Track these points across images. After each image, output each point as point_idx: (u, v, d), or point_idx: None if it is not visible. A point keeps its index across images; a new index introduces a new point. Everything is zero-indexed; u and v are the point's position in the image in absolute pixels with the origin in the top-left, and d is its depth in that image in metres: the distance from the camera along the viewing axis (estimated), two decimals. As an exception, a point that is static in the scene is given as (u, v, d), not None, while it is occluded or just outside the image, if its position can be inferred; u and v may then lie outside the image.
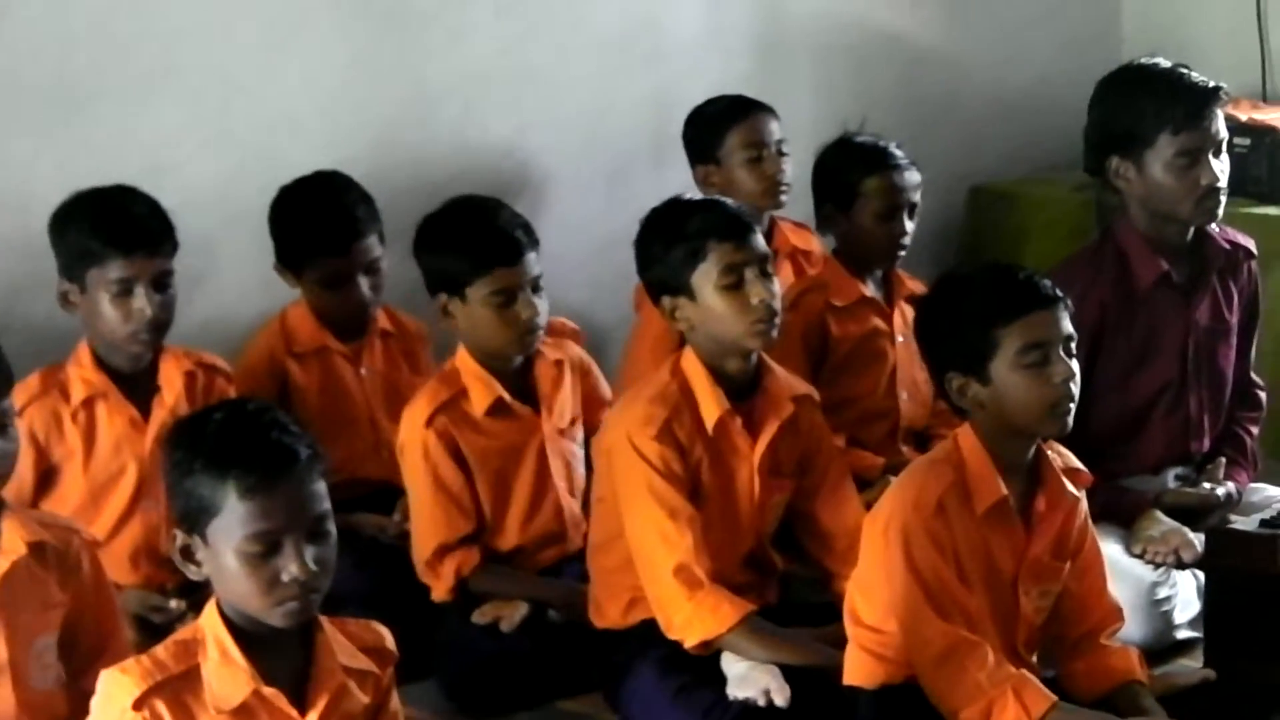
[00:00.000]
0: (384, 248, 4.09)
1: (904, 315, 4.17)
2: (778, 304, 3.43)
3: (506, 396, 3.75)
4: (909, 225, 4.21)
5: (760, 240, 3.46)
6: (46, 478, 3.68)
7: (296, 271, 4.09)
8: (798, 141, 4.58)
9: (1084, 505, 3.26)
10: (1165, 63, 3.92)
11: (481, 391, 3.74)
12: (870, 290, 4.23)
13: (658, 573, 3.36)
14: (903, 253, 4.21)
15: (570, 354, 3.89)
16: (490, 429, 3.75)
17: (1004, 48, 5.46)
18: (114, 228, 3.60)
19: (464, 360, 3.76)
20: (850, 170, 4.21)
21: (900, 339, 4.18)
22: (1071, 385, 3.10)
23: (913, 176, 4.23)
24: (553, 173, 4.67)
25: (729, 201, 3.59)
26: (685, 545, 3.35)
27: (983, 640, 3.08)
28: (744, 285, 3.39)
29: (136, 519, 3.69)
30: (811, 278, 4.35)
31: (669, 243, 3.45)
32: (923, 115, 5.26)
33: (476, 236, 3.71)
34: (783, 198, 4.49)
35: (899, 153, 4.24)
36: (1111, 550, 3.59)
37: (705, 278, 3.41)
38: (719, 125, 4.50)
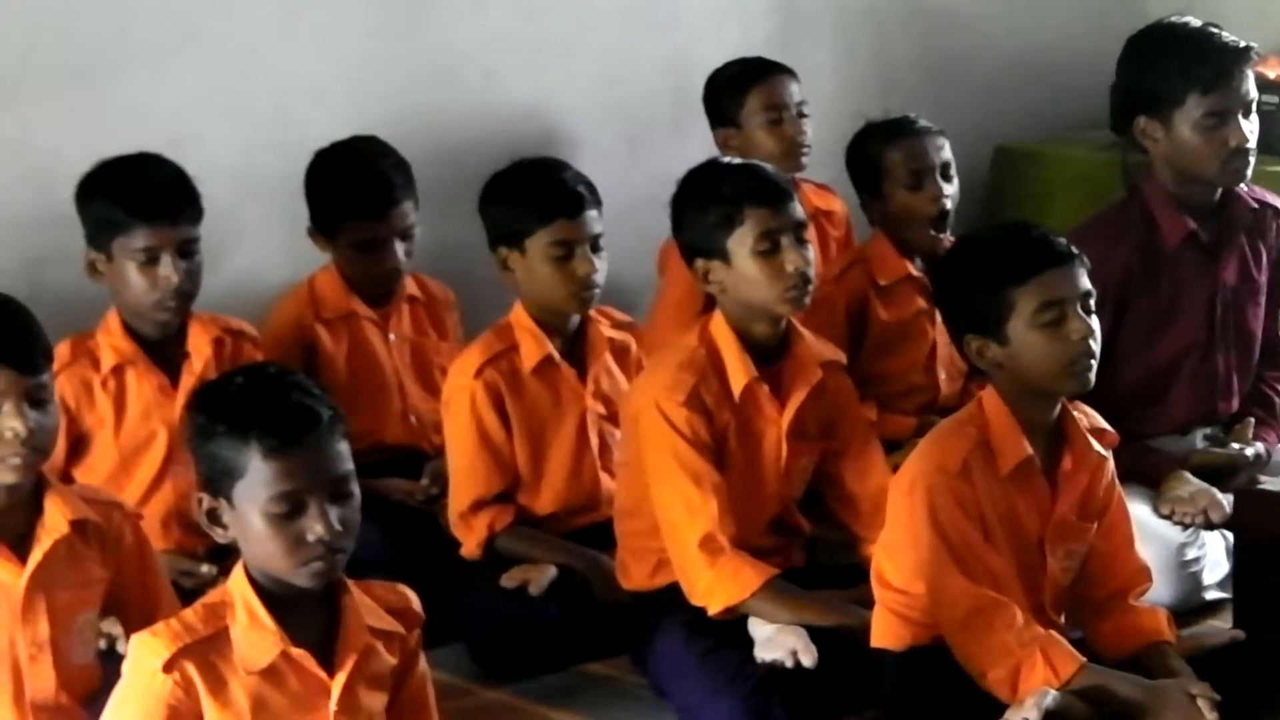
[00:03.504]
0: (418, 214, 4.09)
1: None
2: (812, 271, 3.43)
3: (555, 355, 3.76)
4: (946, 188, 4.19)
5: (797, 206, 3.45)
6: (77, 445, 3.70)
7: (330, 236, 4.09)
8: (818, 105, 4.58)
9: (1110, 465, 3.25)
10: (1195, 21, 3.89)
11: (532, 346, 3.74)
12: (916, 269, 4.22)
13: (682, 541, 3.37)
14: (949, 218, 4.18)
15: (631, 344, 3.88)
16: (535, 388, 3.75)
17: (1028, 6, 5.43)
18: (137, 197, 3.61)
19: (519, 315, 3.76)
20: (870, 148, 4.22)
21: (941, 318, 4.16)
22: (1090, 342, 3.09)
23: (934, 140, 4.21)
24: (574, 137, 4.67)
25: (767, 166, 3.58)
26: (709, 513, 3.36)
27: (1010, 601, 3.07)
28: (779, 251, 3.39)
29: (167, 485, 3.70)
30: (857, 251, 4.34)
31: (704, 205, 3.45)
32: (946, 75, 5.25)
33: (539, 189, 3.71)
34: (803, 160, 4.49)
35: (917, 120, 4.22)
36: (1139, 511, 3.58)
37: (740, 243, 3.40)
38: (738, 88, 4.50)
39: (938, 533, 3.07)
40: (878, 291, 4.22)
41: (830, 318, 4.13)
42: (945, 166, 4.21)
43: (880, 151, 4.20)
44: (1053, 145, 5.30)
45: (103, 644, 2.98)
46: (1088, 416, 3.24)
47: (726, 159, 3.62)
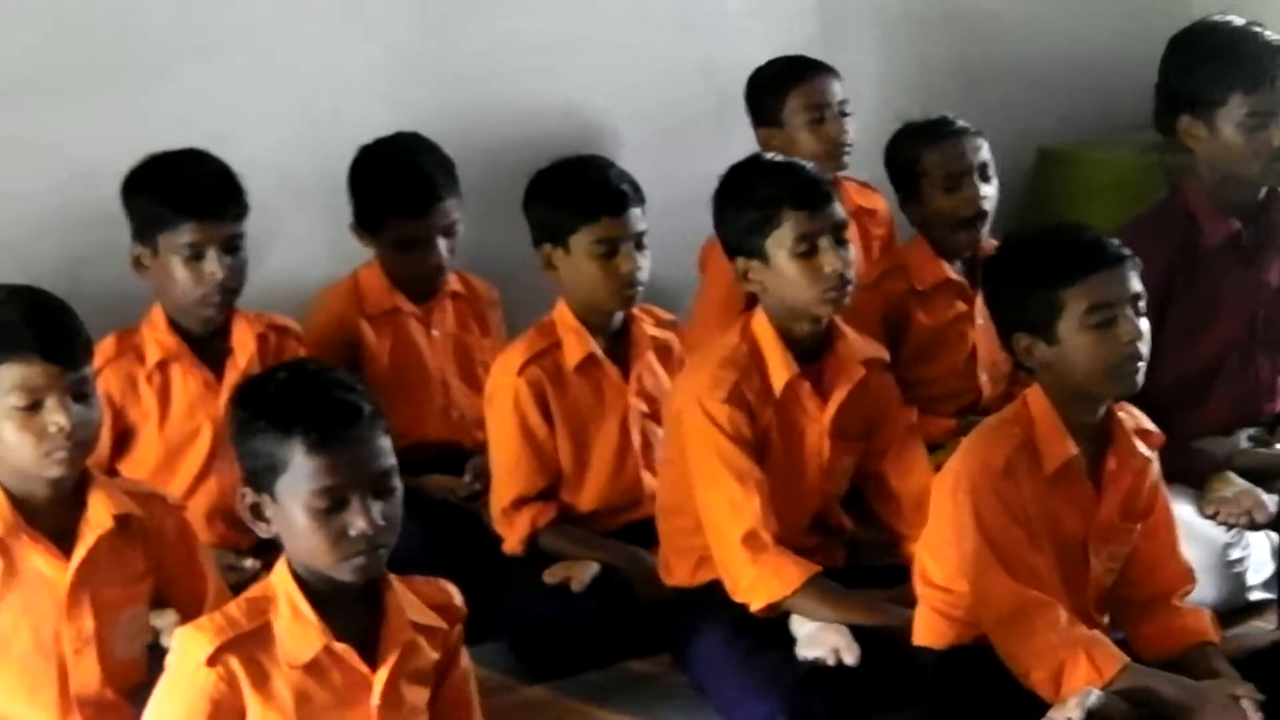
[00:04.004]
0: (461, 212, 4.10)
1: None
2: (851, 272, 3.42)
3: (599, 353, 3.76)
4: (984, 189, 4.16)
5: (837, 207, 3.44)
6: (123, 439, 3.71)
7: (373, 232, 4.10)
8: (859, 105, 4.57)
9: (1155, 466, 3.24)
10: (1238, 21, 3.89)
11: (575, 344, 3.74)
12: (955, 272, 4.20)
13: (725, 537, 3.37)
14: (987, 219, 4.15)
15: (673, 343, 3.87)
16: (578, 386, 3.75)
17: (1069, 6, 5.41)
18: (182, 193, 3.63)
19: (562, 313, 3.77)
20: (908, 150, 4.20)
21: (980, 321, 4.13)
22: (1140, 345, 3.08)
23: (972, 140, 4.18)
24: (613, 137, 4.67)
25: (807, 165, 3.57)
26: (752, 510, 3.36)
27: (1053, 600, 3.06)
28: (818, 253, 3.38)
29: (211, 480, 3.72)
30: (894, 257, 4.32)
31: (743, 206, 3.45)
32: (987, 76, 5.24)
33: (584, 187, 3.72)
34: (845, 159, 4.48)
35: (955, 121, 4.20)
36: (1184, 512, 3.57)
37: (779, 244, 3.40)
38: (780, 87, 4.50)
39: (981, 532, 3.06)
40: (916, 296, 4.21)
41: (867, 325, 4.11)
42: (983, 167, 4.19)
43: (918, 153, 4.18)
44: (1095, 146, 5.28)
45: (148, 636, 3.00)
46: (1134, 417, 3.22)
47: (767, 157, 3.61)
